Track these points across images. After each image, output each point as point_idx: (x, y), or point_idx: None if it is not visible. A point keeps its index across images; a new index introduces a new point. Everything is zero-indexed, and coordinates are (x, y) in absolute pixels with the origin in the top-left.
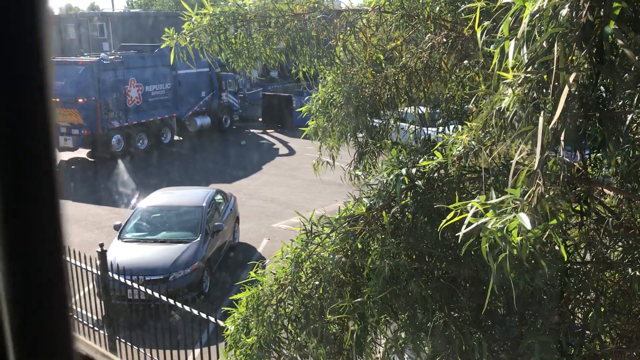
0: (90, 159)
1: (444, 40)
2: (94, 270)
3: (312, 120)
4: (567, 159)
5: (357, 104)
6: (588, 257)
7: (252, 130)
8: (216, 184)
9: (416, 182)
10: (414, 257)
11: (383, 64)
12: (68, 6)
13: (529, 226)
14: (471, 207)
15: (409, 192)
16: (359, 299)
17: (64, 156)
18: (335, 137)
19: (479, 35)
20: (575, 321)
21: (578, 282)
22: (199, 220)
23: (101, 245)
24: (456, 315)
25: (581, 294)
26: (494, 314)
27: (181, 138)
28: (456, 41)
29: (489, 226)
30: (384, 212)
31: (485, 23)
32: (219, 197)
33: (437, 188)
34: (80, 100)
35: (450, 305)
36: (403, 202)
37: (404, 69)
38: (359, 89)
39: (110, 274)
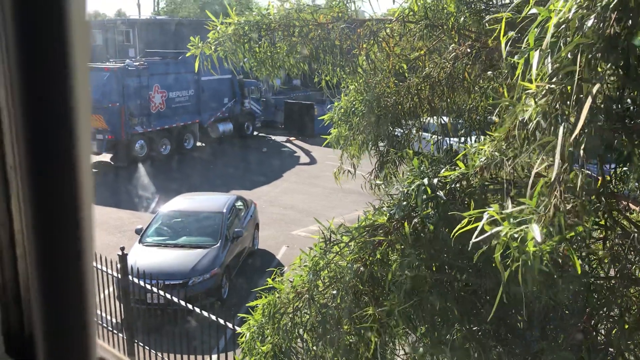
0: (113, 164)
1: (468, 50)
2: (115, 274)
3: (334, 129)
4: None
5: (379, 113)
6: (612, 273)
7: (273, 137)
8: (237, 190)
9: (438, 193)
10: (434, 268)
11: (406, 74)
12: (95, 12)
13: (539, 238)
14: (486, 215)
15: (430, 203)
16: (378, 310)
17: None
18: (356, 145)
19: (503, 45)
20: (598, 338)
21: (602, 298)
22: (219, 226)
23: (122, 248)
24: (476, 328)
25: (605, 310)
26: (515, 328)
27: (203, 144)
28: (480, 52)
29: (503, 235)
30: (404, 223)
31: (510, 33)
32: (239, 203)
33: (459, 199)
34: (105, 105)
35: (471, 318)
36: (424, 212)
37: (426, 78)
38: (381, 98)
39: (130, 277)
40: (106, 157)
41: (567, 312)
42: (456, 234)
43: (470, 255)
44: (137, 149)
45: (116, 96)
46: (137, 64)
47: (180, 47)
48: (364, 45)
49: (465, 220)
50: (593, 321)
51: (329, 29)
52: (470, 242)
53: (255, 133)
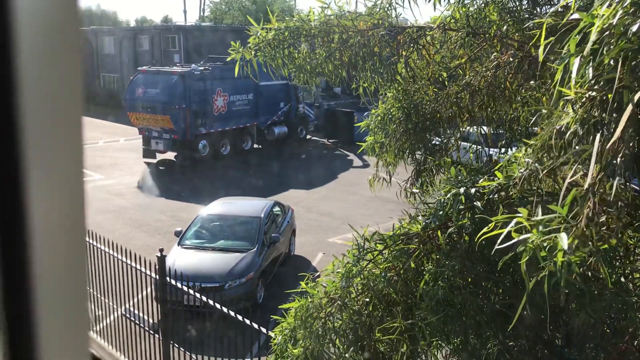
0: (177, 162)
1: (510, 59)
2: (153, 275)
3: (370, 136)
4: (631, 184)
5: (416, 121)
6: None
7: (325, 141)
8: (278, 194)
9: (475, 203)
10: (469, 280)
11: (445, 82)
12: (143, 18)
13: (566, 247)
14: (514, 222)
15: (467, 213)
16: (410, 320)
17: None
18: (392, 153)
19: (541, 50)
20: None
21: None
22: (257, 231)
23: (161, 250)
24: (511, 343)
25: None
26: (552, 345)
27: (260, 146)
28: (523, 61)
29: (530, 242)
30: (439, 232)
31: (550, 39)
32: (277, 208)
33: (497, 210)
34: (172, 107)
35: (506, 332)
36: (460, 222)
37: (467, 87)
38: (419, 105)
39: (167, 279)
40: (171, 155)
41: (607, 330)
42: (482, 239)
43: (507, 268)
44: (200, 148)
45: (183, 99)
46: (201, 68)
47: (224, 54)
48: (404, 53)
49: (492, 225)
50: (636, 342)
51: (368, 35)
52: (495, 247)
53: (308, 137)
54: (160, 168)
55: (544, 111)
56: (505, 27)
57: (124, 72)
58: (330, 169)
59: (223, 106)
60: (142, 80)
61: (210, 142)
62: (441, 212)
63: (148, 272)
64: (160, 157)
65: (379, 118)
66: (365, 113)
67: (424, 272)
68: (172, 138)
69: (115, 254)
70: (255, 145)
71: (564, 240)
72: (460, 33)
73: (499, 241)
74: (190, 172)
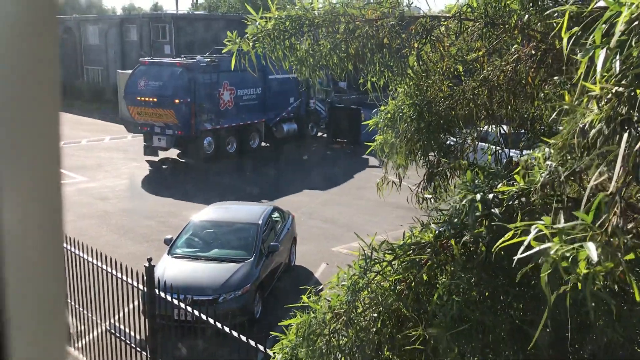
0: (181, 160)
1: (533, 52)
2: (140, 286)
3: (379, 135)
4: None
5: (429, 119)
6: None
7: (333, 141)
8: (278, 198)
9: (492, 210)
10: (486, 294)
11: (462, 77)
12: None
13: (595, 257)
14: (534, 230)
15: (484, 221)
16: (422, 337)
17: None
18: (403, 154)
19: (564, 42)
20: None
21: None
22: (254, 239)
23: (149, 259)
24: None
25: None
26: None
27: (268, 144)
28: (546, 54)
29: (552, 253)
30: (453, 242)
31: (574, 29)
32: (276, 214)
33: (516, 218)
34: (176, 101)
35: (526, 351)
36: (477, 231)
37: (485, 82)
38: (432, 102)
39: (156, 291)
40: (173, 153)
41: (638, 349)
42: (500, 248)
43: (528, 281)
44: (206, 145)
45: (187, 92)
46: (207, 60)
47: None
48: (416, 45)
49: (510, 233)
50: None
51: (377, 25)
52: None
53: (319, 134)
54: (164, 167)
55: (565, 107)
56: (527, 17)
57: (109, 64)
58: (338, 169)
59: (230, 101)
60: (144, 72)
61: (216, 139)
62: (456, 220)
63: (135, 284)
64: (163, 154)
65: (389, 116)
66: (374, 110)
67: (437, 285)
68: (176, 134)
69: (99, 264)
70: (263, 143)
71: (592, 250)
72: (477, 23)
73: (520, 251)
74: (191, 171)
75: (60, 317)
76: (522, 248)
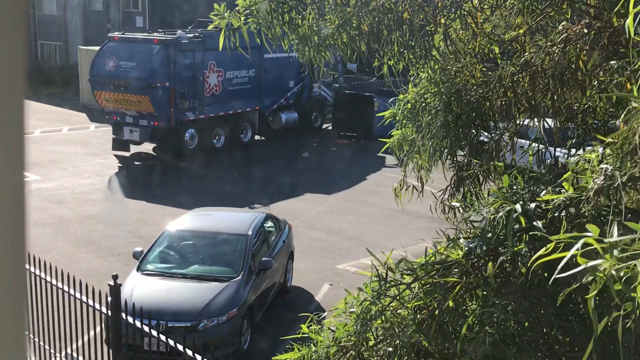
0: (157, 156)
1: (585, 31)
2: (104, 310)
3: (397, 130)
4: None
5: (459, 111)
6: None
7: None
8: (273, 204)
9: (535, 223)
10: (526, 324)
11: (498, 60)
12: None
13: None
14: (581, 243)
15: (524, 236)
16: None
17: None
18: (426, 153)
19: (630, 21)
20: None
21: None
22: (242, 254)
23: (114, 277)
24: None
25: None
26: None
27: (262, 137)
28: (601, 33)
29: (602, 271)
30: (488, 261)
31: None
32: (269, 224)
33: (564, 232)
34: (152, 85)
35: None
36: (516, 248)
37: (526, 67)
38: (462, 91)
39: (123, 315)
40: (149, 147)
41: None
42: (539, 265)
43: (577, 310)
44: (187, 139)
45: (166, 75)
46: (190, 35)
47: (205, 18)
48: (442, 21)
49: (551, 246)
50: None
51: None
52: (554, 276)
53: (324, 126)
54: (136, 164)
55: (628, 99)
56: None
57: (69, 39)
58: (346, 170)
59: (217, 85)
60: (114, 51)
61: (200, 131)
62: (490, 234)
63: (97, 306)
64: (136, 149)
65: (409, 106)
66: (391, 99)
67: (466, 314)
68: (152, 125)
69: (53, 281)
70: (257, 137)
71: None
72: None
73: (559, 268)
74: (169, 170)
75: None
76: (562, 263)
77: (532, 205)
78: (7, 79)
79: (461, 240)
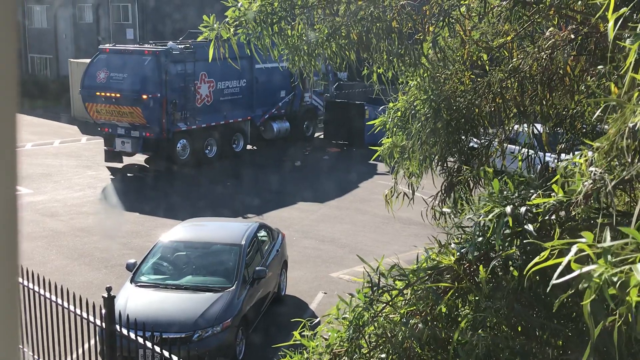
0: (149, 167)
1: (572, 36)
2: (98, 322)
3: (388, 138)
4: None
5: (448, 118)
6: None
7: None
8: (266, 213)
9: (526, 227)
10: (519, 329)
11: (486, 66)
12: None
13: None
14: (575, 249)
15: (515, 240)
16: None
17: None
18: (416, 160)
19: (610, 25)
20: None
21: None
22: (236, 264)
23: (108, 289)
24: None
25: None
26: None
27: (254, 147)
28: (588, 39)
29: (596, 276)
30: (480, 266)
31: (622, 10)
32: (262, 233)
33: (554, 236)
34: (144, 96)
35: None
36: (507, 252)
37: (514, 73)
38: (451, 97)
39: (117, 327)
40: (141, 158)
41: None
42: (533, 271)
43: (570, 312)
44: (179, 149)
45: (157, 86)
46: (181, 46)
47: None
48: (431, 29)
49: (546, 253)
50: None
51: (384, 6)
52: (552, 283)
53: (316, 135)
54: (128, 176)
55: (612, 103)
56: None
57: (59, 52)
58: (339, 178)
59: (208, 95)
60: (105, 62)
61: (192, 142)
62: (481, 239)
63: (91, 319)
64: (128, 160)
65: (399, 114)
66: (381, 107)
67: (459, 319)
68: (144, 136)
69: (47, 294)
70: (249, 146)
71: None
72: (505, 2)
73: (556, 274)
74: (162, 181)
75: None
76: (558, 270)
77: (523, 209)
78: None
79: (452, 246)
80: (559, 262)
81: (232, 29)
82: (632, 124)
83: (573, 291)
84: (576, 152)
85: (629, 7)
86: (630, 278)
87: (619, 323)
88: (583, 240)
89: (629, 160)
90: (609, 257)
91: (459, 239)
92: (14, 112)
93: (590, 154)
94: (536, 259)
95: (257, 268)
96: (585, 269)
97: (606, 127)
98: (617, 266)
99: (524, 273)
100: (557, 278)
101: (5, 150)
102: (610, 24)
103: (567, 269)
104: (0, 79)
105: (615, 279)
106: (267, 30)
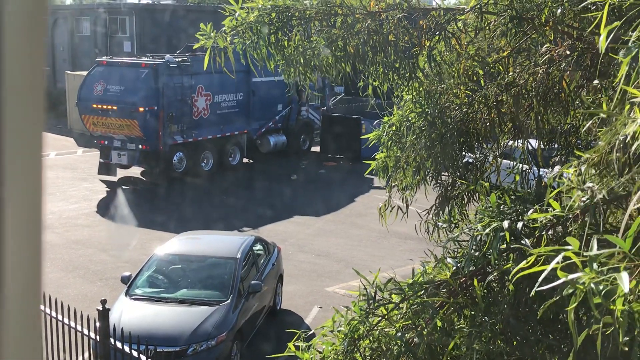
0: (145, 180)
1: (567, 52)
2: (92, 335)
3: (382, 152)
4: None
5: (443, 131)
6: None
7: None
8: (261, 227)
9: (522, 241)
10: (514, 343)
11: (482, 81)
12: None
13: (626, 288)
14: (561, 257)
15: (511, 255)
16: None
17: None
18: (410, 173)
19: (602, 38)
20: None
21: None
22: (231, 277)
23: (103, 302)
24: None
25: None
26: None
27: (251, 160)
28: (584, 54)
29: (581, 284)
30: (475, 280)
31: (615, 23)
32: (258, 247)
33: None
34: (141, 109)
35: None
36: (503, 267)
37: (510, 88)
38: (446, 111)
39: (112, 340)
40: (135, 171)
41: None
42: (513, 273)
43: (564, 327)
44: (176, 162)
45: (154, 98)
46: (178, 60)
47: (191, 40)
48: (427, 42)
49: (532, 259)
50: None
51: (381, 19)
52: (534, 289)
53: (312, 148)
54: (124, 188)
55: (603, 115)
56: (560, 10)
57: (56, 64)
58: (335, 192)
59: (205, 108)
60: (102, 75)
61: (188, 155)
62: (477, 253)
63: (85, 332)
64: (124, 173)
65: (394, 129)
66: (376, 121)
67: (454, 333)
68: (140, 149)
69: (42, 307)
70: (245, 160)
71: (624, 280)
72: (501, 17)
73: (539, 280)
74: (157, 194)
75: None
76: (542, 276)
77: (520, 224)
78: (29, 108)
79: (448, 260)
80: (545, 269)
81: (229, 38)
82: (623, 136)
83: (558, 298)
84: (567, 164)
85: (622, 21)
86: (615, 287)
87: (608, 332)
88: (570, 248)
89: (618, 172)
90: (595, 265)
91: (455, 253)
92: (41, 127)
93: (580, 167)
94: (521, 264)
95: (252, 282)
96: (571, 276)
97: (601, 143)
98: (603, 275)
99: (510, 278)
100: (543, 285)
101: (33, 161)
102: (602, 36)
103: (555, 277)
104: (30, 94)
105: (600, 288)
106: (264, 40)
